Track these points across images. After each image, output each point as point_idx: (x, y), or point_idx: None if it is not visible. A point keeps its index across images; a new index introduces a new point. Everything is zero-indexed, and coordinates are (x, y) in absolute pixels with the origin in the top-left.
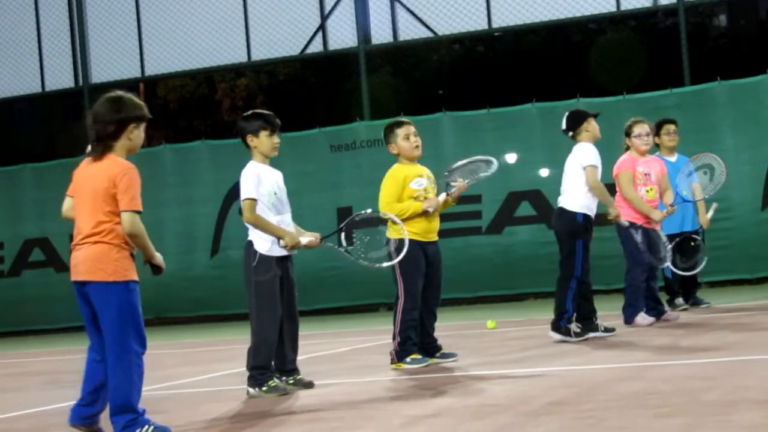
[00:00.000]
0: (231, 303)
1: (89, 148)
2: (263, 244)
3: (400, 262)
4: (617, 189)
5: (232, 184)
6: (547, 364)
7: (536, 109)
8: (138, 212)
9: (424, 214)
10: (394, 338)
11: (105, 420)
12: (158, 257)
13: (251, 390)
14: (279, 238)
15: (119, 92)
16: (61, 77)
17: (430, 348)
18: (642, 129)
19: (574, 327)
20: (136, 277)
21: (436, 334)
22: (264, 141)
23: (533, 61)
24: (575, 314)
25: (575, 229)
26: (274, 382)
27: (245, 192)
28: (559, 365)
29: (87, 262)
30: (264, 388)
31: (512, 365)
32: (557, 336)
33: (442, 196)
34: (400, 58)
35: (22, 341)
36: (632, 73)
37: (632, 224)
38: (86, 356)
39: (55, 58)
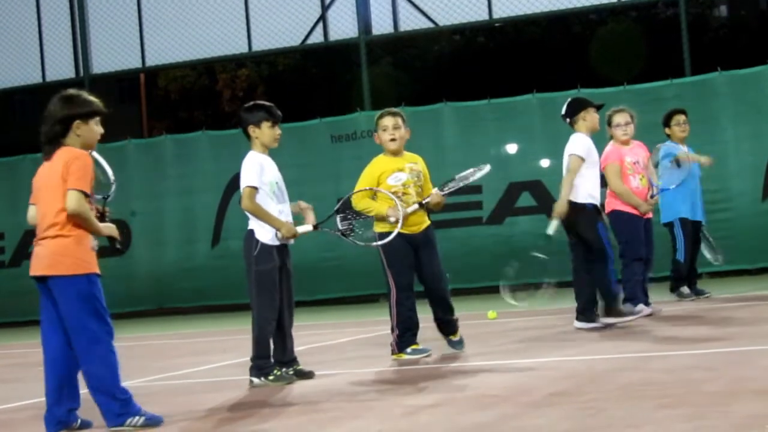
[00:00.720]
0: (232, 293)
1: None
2: (265, 233)
3: (385, 255)
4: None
5: (233, 175)
6: (548, 354)
7: (537, 100)
8: (85, 194)
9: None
10: (392, 331)
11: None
12: (108, 229)
13: (255, 380)
14: (276, 229)
15: (71, 90)
16: (61, 67)
17: (446, 328)
18: (622, 118)
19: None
20: (97, 270)
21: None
22: (266, 132)
23: (534, 51)
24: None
25: (588, 217)
26: (279, 371)
27: (247, 179)
28: (560, 356)
29: (48, 257)
30: (270, 378)
31: (513, 356)
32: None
33: (413, 208)
34: (401, 48)
35: (23, 332)
36: (633, 63)
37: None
38: (44, 355)
39: (55, 49)
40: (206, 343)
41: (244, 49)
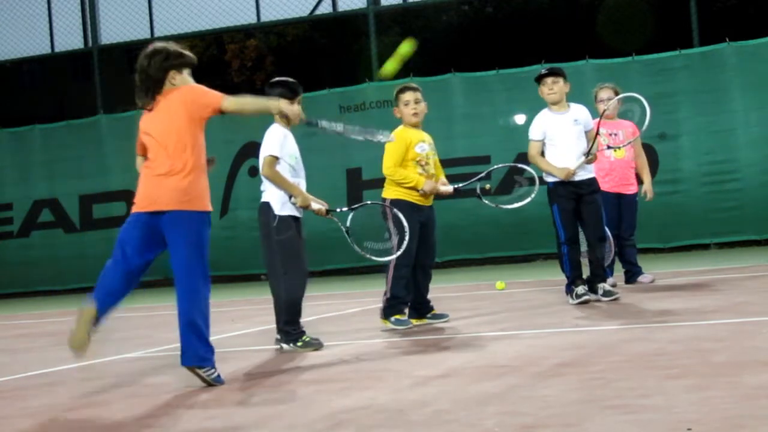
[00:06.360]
0: (240, 264)
1: (139, 101)
2: (281, 206)
3: (394, 221)
4: None
5: (242, 145)
6: (556, 325)
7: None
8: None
9: (420, 189)
10: (384, 294)
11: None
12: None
13: (285, 346)
14: (291, 196)
15: (157, 44)
16: (70, 38)
17: (422, 308)
18: (604, 94)
19: (579, 290)
20: (211, 208)
21: (431, 295)
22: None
23: (542, 22)
24: (575, 277)
25: (549, 197)
26: (308, 337)
27: (269, 149)
28: (568, 327)
29: (170, 192)
30: (299, 344)
31: (521, 326)
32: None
33: (448, 188)
34: (409, 19)
35: (31, 302)
36: (641, 34)
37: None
38: (118, 269)
39: (64, 19)
40: (214, 313)
41: (253, 20)
